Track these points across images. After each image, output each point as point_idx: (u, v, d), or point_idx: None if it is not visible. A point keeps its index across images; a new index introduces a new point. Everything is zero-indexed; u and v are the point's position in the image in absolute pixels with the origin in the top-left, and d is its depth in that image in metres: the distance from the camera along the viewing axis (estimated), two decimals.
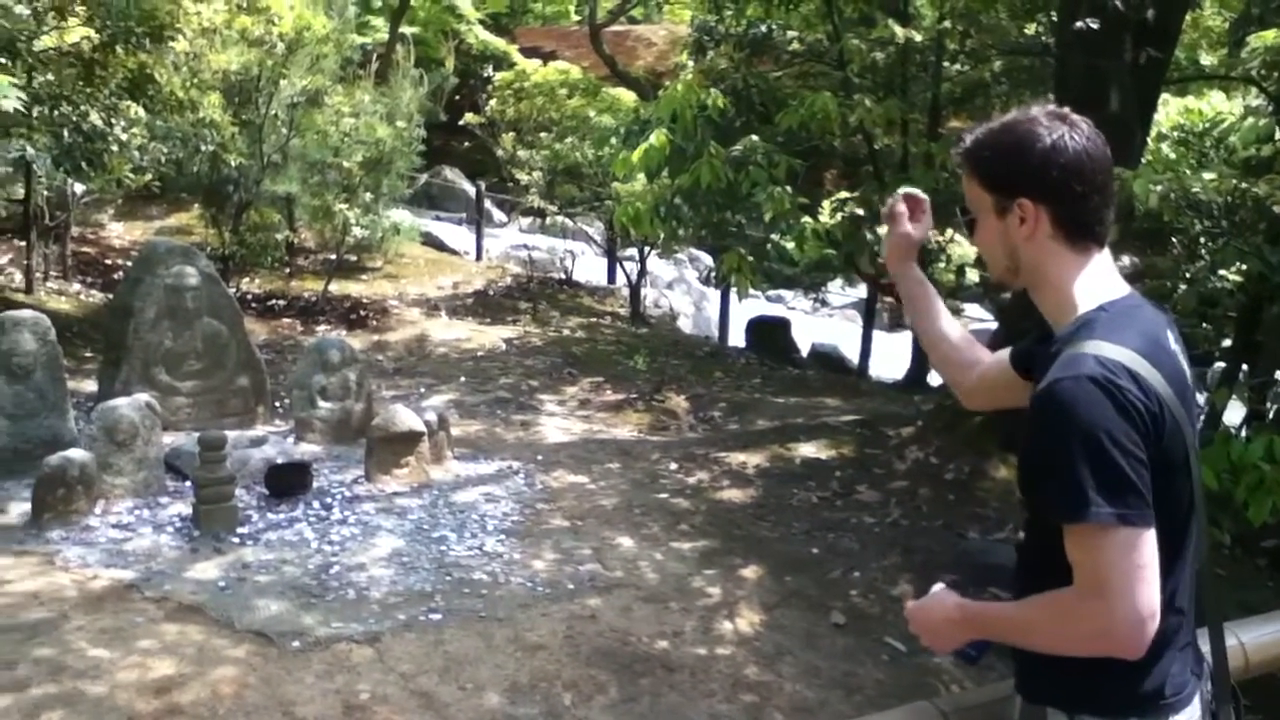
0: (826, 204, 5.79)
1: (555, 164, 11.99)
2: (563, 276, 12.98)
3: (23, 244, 9.38)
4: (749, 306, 11.53)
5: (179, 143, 8.11)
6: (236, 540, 4.77)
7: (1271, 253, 4.51)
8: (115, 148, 7.26)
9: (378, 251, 11.87)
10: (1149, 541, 1.31)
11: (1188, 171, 4.98)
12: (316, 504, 5.26)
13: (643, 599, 4.38)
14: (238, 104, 9.46)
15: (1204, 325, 5.69)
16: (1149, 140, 6.71)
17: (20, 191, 9.18)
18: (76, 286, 9.85)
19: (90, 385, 6.91)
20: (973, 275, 7.26)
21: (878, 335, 12.01)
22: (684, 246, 12.04)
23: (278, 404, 7.04)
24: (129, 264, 8.78)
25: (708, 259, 12.73)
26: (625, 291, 12.47)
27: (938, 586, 1.59)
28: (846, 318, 15.46)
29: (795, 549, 5.05)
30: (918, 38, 7.03)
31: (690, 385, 8.59)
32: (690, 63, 8.81)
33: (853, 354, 11.77)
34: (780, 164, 5.66)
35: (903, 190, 1.80)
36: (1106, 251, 1.50)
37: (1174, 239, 6.13)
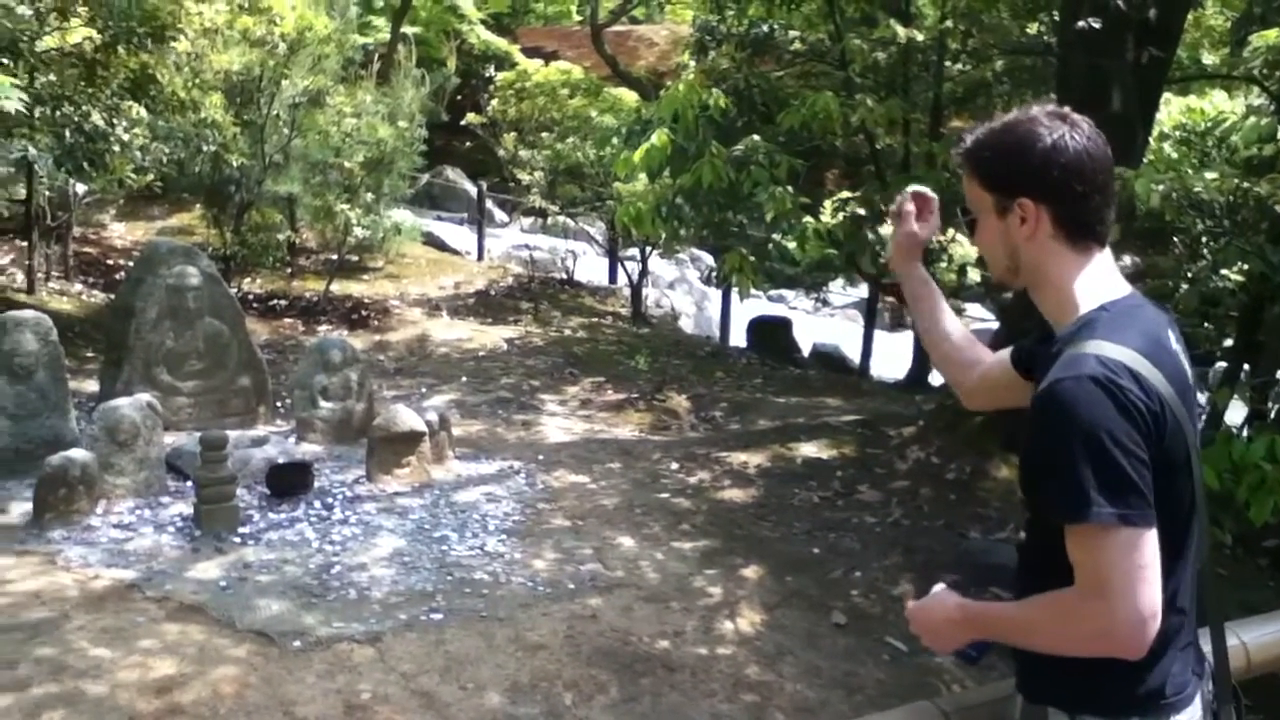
0: (828, 204, 5.78)
1: (557, 164, 11.98)
2: (564, 276, 12.98)
3: (24, 244, 9.40)
4: (750, 306, 11.51)
5: (181, 143, 8.10)
6: (238, 540, 4.77)
7: (1273, 252, 4.51)
8: (117, 148, 7.25)
9: (379, 251, 11.89)
10: (1150, 541, 1.31)
11: (1189, 171, 4.97)
12: (318, 504, 5.26)
13: (644, 599, 4.38)
14: (239, 104, 9.45)
15: (1205, 325, 5.69)
16: (1151, 140, 6.70)
17: (22, 192, 9.19)
18: (78, 287, 9.86)
19: (92, 385, 6.91)
20: (974, 275, 7.27)
21: (879, 335, 11.99)
22: (685, 246, 12.04)
23: (279, 404, 7.04)
24: (130, 264, 8.78)
25: (709, 259, 12.72)
26: (627, 291, 12.46)
27: (939, 586, 1.59)
28: (848, 317, 15.45)
29: (796, 549, 5.04)
30: (919, 37, 7.04)
31: (691, 385, 8.59)
32: (692, 63, 8.82)
33: (854, 354, 11.75)
34: (782, 164, 5.65)
35: (912, 188, 1.79)
36: (1108, 251, 1.50)
37: (1175, 238, 6.14)
